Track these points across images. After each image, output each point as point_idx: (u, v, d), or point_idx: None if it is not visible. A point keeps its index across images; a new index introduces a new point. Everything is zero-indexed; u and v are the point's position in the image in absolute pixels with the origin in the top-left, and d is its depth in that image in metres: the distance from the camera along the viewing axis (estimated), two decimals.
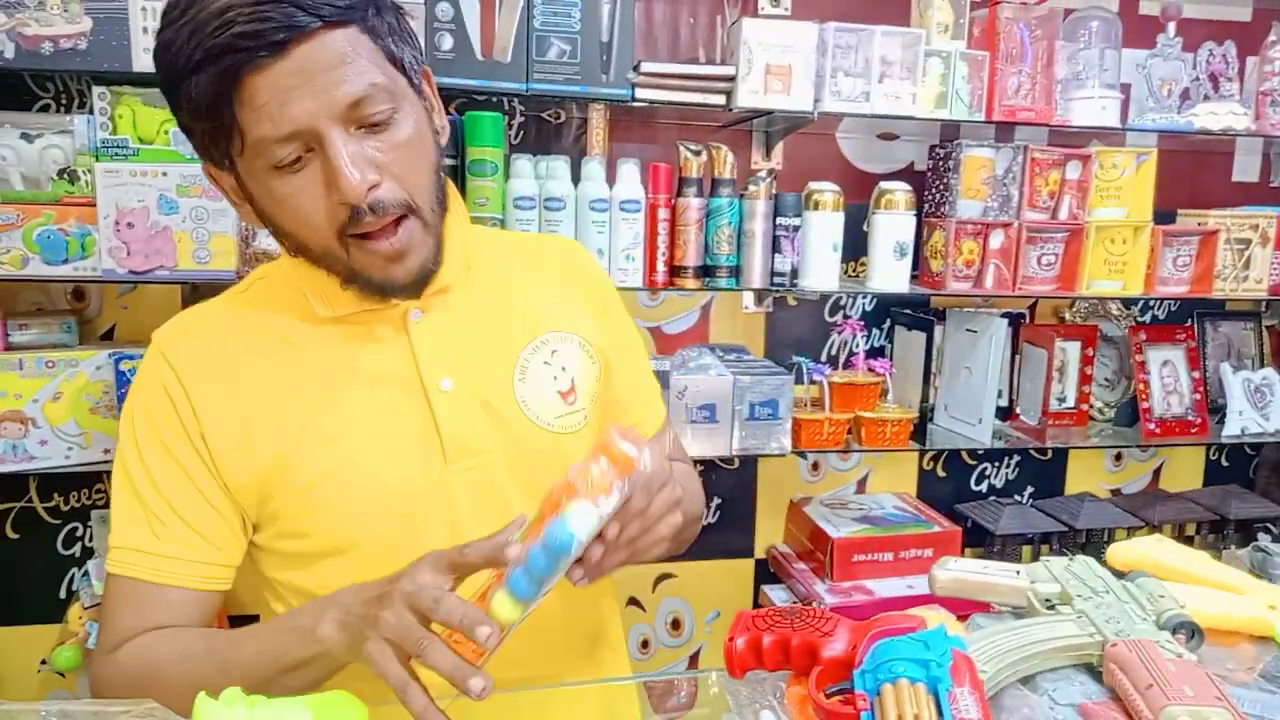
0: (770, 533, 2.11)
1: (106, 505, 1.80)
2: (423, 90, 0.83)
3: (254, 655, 0.77)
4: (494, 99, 1.71)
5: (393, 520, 0.84)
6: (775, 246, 1.71)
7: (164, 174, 1.46)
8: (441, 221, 0.84)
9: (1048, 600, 0.83)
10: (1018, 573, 0.87)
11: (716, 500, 2.07)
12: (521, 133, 1.83)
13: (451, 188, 0.88)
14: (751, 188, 1.70)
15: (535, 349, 0.92)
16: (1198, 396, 2.08)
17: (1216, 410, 2.11)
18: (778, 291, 1.76)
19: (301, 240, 0.80)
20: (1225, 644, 0.81)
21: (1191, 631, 0.75)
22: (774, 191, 1.70)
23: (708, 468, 2.05)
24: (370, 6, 0.76)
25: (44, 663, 1.79)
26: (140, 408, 0.85)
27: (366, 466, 0.84)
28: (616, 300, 1.05)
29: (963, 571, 0.88)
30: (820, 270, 1.74)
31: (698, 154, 1.68)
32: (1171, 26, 1.86)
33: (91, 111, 1.46)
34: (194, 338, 0.87)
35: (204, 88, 0.72)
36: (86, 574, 1.73)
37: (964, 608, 0.89)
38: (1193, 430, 2.05)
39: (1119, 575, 0.87)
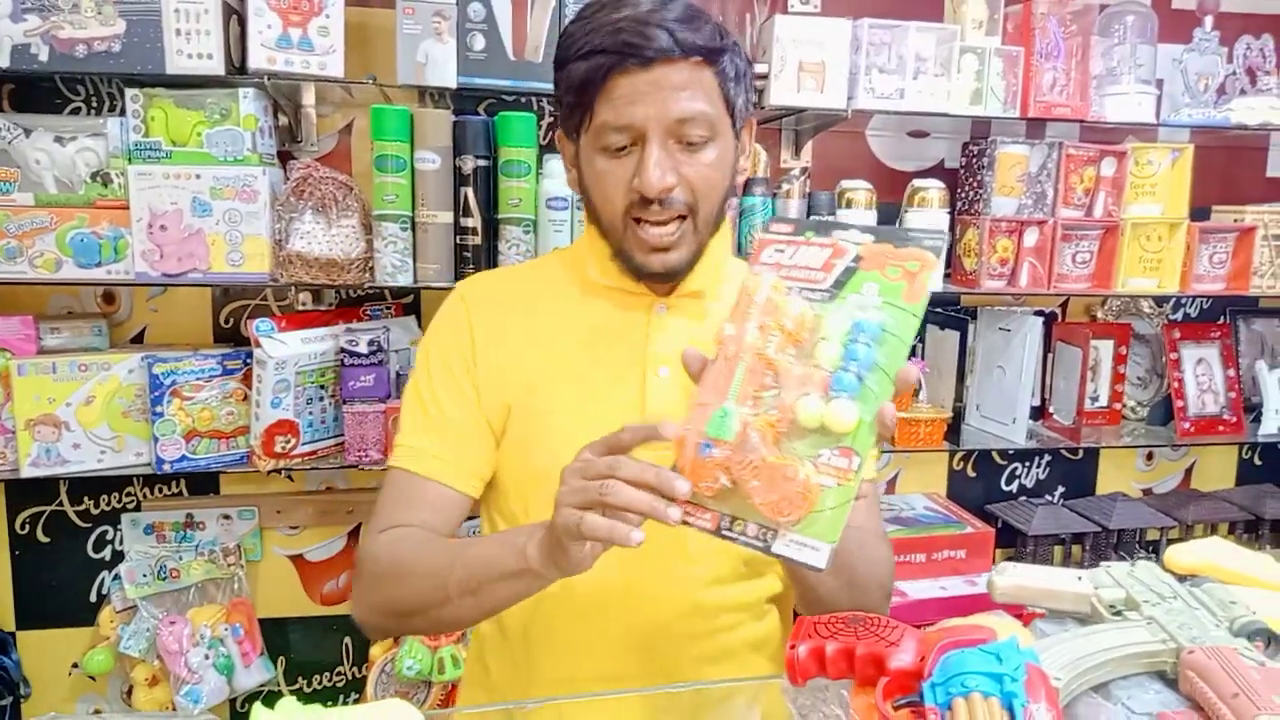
0: None
1: (137, 509, 1.80)
2: (740, 134, 0.98)
3: (475, 558, 0.86)
4: (523, 99, 1.70)
5: None
6: None
7: (197, 176, 1.46)
8: (709, 238, 0.98)
9: (1113, 606, 0.81)
10: (1080, 578, 0.85)
11: None
12: (550, 134, 1.81)
13: (727, 219, 1.03)
14: (784, 187, 1.68)
15: None
16: (1233, 395, 2.05)
17: (1251, 409, 2.08)
18: None
19: (599, 209, 0.96)
20: None
21: (1268, 638, 0.74)
22: (807, 190, 1.69)
23: None
24: (729, 53, 0.92)
25: (75, 666, 1.79)
26: (437, 338, 1.04)
27: (581, 415, 0.97)
28: None
29: (1023, 578, 0.86)
30: None
31: None
32: (1209, 20, 1.83)
33: (124, 114, 1.45)
34: (487, 286, 1.07)
35: (582, 72, 0.89)
36: (118, 577, 1.72)
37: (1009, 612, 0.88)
38: (1227, 429, 2.03)
39: (1180, 579, 0.85)
